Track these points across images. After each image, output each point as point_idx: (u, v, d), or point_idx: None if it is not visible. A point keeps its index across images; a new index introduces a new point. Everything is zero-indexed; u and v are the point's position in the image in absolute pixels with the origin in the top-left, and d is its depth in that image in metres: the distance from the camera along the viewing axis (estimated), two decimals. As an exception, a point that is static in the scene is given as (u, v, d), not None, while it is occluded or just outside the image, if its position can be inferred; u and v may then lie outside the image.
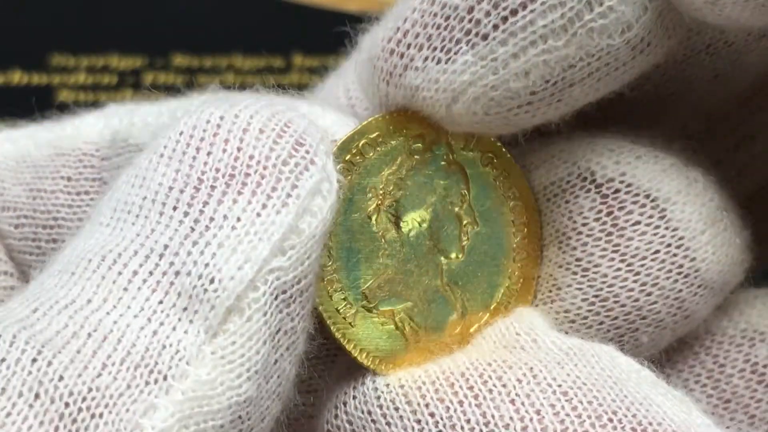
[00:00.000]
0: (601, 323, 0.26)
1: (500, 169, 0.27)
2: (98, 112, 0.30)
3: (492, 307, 0.27)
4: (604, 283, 0.26)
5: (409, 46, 0.25)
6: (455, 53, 0.25)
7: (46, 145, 0.29)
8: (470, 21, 0.25)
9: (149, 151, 0.24)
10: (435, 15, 0.25)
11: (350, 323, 0.25)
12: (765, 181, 0.32)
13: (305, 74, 0.53)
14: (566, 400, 0.23)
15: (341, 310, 0.25)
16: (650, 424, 0.23)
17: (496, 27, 0.24)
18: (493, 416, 0.23)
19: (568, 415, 0.23)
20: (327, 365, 0.26)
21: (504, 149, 0.27)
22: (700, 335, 0.28)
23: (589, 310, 0.26)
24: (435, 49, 0.25)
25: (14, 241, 0.29)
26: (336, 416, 0.25)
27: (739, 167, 0.32)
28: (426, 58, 0.25)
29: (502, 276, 0.27)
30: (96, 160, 0.29)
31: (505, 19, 0.24)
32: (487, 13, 0.24)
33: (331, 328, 0.25)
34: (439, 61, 0.25)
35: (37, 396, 0.21)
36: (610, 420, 0.23)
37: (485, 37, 0.25)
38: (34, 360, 0.21)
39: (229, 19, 0.55)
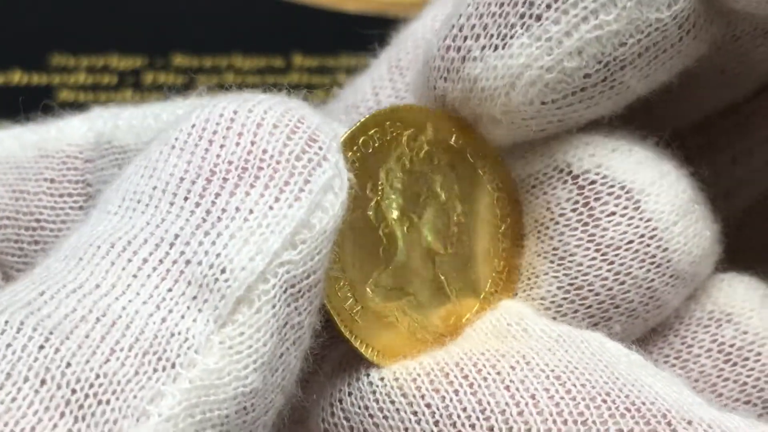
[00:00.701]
0: (576, 311, 0.27)
1: (485, 161, 0.27)
2: (83, 115, 0.30)
3: (482, 297, 0.27)
4: (579, 272, 0.27)
5: (465, 38, 0.26)
6: (511, 37, 0.26)
7: (30, 146, 0.30)
8: (524, 4, 0.25)
9: (159, 143, 0.24)
10: (489, 4, 0.26)
11: (356, 319, 0.26)
12: (762, 196, 0.33)
13: (305, 74, 0.54)
14: (560, 384, 0.24)
15: (347, 307, 0.26)
16: (643, 403, 0.23)
17: (548, 6, 0.25)
18: (488, 403, 0.24)
19: (562, 398, 0.23)
20: (317, 360, 0.26)
21: (487, 140, 0.27)
22: (669, 320, 0.28)
23: (564, 298, 0.27)
24: (491, 36, 0.26)
25: None
26: (332, 414, 0.26)
27: (736, 181, 0.32)
28: (483, 47, 0.26)
29: (488, 266, 0.27)
30: (80, 163, 0.29)
31: None
32: None
33: (340, 325, 0.26)
34: (496, 48, 0.26)
35: (43, 382, 0.21)
36: (604, 401, 0.23)
37: (539, 18, 0.25)
38: (42, 347, 0.21)
39: (229, 19, 0.55)
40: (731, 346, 0.28)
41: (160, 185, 0.23)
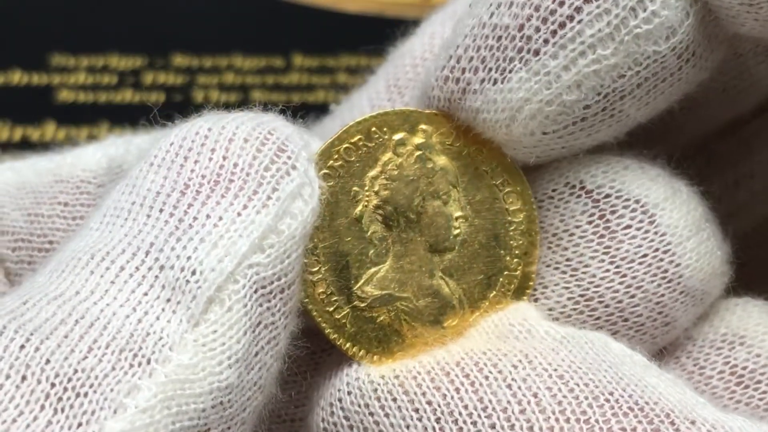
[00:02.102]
0: (584, 322, 0.27)
1: (490, 160, 0.27)
2: (98, 144, 0.32)
3: (491, 296, 0.27)
4: (591, 283, 0.27)
5: (464, 70, 0.27)
6: (509, 72, 0.26)
7: (46, 172, 0.31)
8: (521, 38, 0.26)
9: (141, 161, 0.26)
10: (487, 37, 0.26)
11: (344, 323, 0.27)
12: (764, 218, 0.33)
13: (305, 74, 0.54)
14: (563, 383, 0.24)
15: (332, 312, 0.27)
16: (647, 403, 0.23)
17: (546, 41, 0.26)
18: (490, 401, 0.24)
19: (565, 396, 0.24)
20: (310, 366, 0.28)
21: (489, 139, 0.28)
22: (681, 341, 0.29)
23: (574, 309, 0.27)
24: (490, 70, 0.26)
25: (11, 264, 0.31)
26: (332, 413, 0.26)
27: (738, 205, 0.33)
28: (483, 80, 0.26)
29: (498, 265, 0.27)
30: (92, 187, 0.30)
31: (554, 32, 0.26)
32: (537, 29, 0.26)
33: (325, 330, 0.27)
34: (495, 82, 0.26)
35: (24, 378, 0.22)
36: (607, 400, 0.24)
37: (537, 53, 0.26)
38: (22, 346, 0.23)
39: (229, 19, 0.56)
40: (744, 368, 0.28)
41: (138, 200, 0.25)
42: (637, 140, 0.28)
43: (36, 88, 0.53)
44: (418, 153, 0.27)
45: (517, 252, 0.28)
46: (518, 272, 0.28)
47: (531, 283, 0.28)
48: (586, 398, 0.24)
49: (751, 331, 0.29)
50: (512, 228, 0.28)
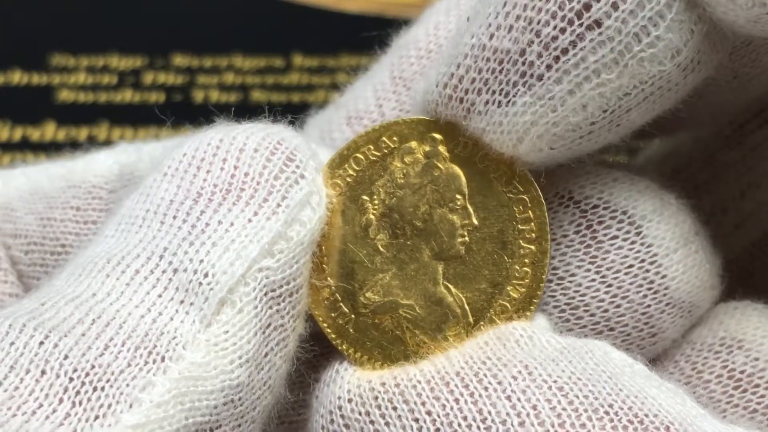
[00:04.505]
0: (570, 330, 0.28)
1: (498, 166, 0.27)
2: (109, 150, 0.33)
3: (496, 305, 0.27)
4: (576, 292, 0.27)
5: (467, 91, 0.27)
6: (514, 95, 0.26)
7: (58, 178, 0.32)
8: (524, 63, 0.26)
9: (155, 171, 0.27)
10: (488, 59, 0.26)
11: (349, 329, 0.27)
12: None
13: (305, 74, 0.54)
14: (562, 395, 0.24)
15: (337, 317, 0.27)
16: (646, 416, 0.23)
17: (549, 67, 0.25)
18: (489, 413, 0.24)
19: (564, 409, 0.24)
20: (310, 369, 0.28)
21: None
22: (680, 344, 0.29)
23: (559, 317, 0.28)
24: (494, 92, 0.26)
25: (24, 267, 0.32)
26: (332, 421, 0.26)
27: (745, 215, 0.33)
28: (487, 102, 0.26)
29: (505, 274, 0.27)
30: (104, 193, 0.31)
31: (557, 58, 0.25)
32: (539, 55, 0.26)
33: (329, 335, 0.27)
34: (500, 104, 0.26)
35: (43, 372, 0.23)
36: (606, 413, 0.24)
37: (540, 78, 0.26)
38: (41, 343, 0.24)
39: (229, 19, 0.56)
40: (741, 372, 0.28)
41: (152, 208, 0.26)
42: (645, 132, 0.28)
43: (36, 88, 0.53)
44: (426, 161, 0.27)
45: (526, 260, 0.27)
46: (526, 281, 0.27)
47: (539, 293, 0.27)
48: (586, 411, 0.24)
49: (750, 335, 0.29)
50: (520, 236, 0.27)
